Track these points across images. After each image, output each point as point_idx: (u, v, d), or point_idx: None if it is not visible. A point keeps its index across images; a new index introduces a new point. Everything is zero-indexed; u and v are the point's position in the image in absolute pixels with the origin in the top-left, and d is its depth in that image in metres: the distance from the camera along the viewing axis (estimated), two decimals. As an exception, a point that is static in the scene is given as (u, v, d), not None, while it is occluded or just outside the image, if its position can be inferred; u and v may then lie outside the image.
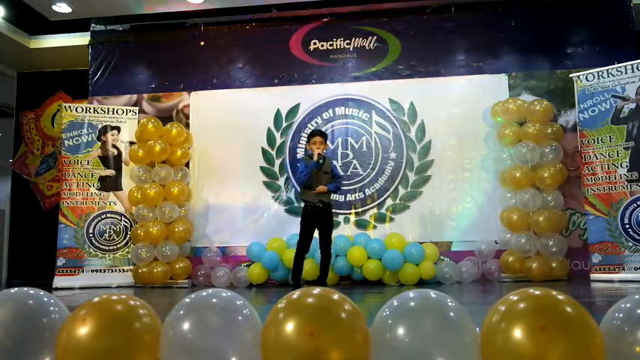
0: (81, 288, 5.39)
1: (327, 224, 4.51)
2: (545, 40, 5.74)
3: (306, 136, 5.78)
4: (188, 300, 1.28)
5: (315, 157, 4.42)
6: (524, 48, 5.76)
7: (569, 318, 1.07)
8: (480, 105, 5.65)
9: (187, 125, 6.08)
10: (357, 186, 5.80)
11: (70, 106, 5.84)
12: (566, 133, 5.46)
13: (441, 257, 5.37)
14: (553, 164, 5.15)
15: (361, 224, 5.72)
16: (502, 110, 5.42)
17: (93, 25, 6.42)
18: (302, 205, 4.60)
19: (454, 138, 5.72)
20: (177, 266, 5.54)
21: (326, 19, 6.13)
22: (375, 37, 6.05)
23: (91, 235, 5.63)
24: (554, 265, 5.02)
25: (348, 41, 6.08)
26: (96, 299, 1.31)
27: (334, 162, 5.35)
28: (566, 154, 5.37)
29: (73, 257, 5.57)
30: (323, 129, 5.70)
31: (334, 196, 5.11)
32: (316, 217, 4.45)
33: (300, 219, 4.61)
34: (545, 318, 1.05)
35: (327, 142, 4.88)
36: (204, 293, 1.28)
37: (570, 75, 5.32)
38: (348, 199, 5.78)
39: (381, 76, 5.98)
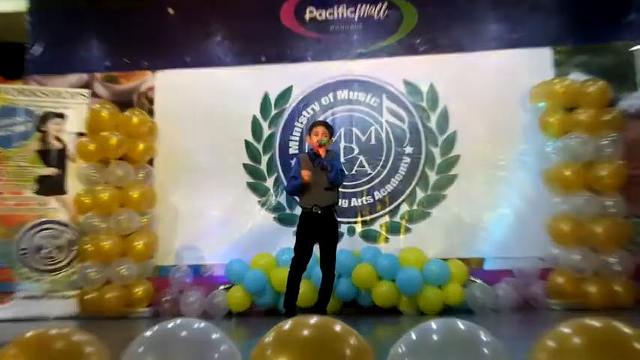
0: (12, 320, 5.21)
1: (329, 236, 4.45)
2: (600, 6, 5.69)
3: (305, 127, 5.80)
4: (150, 333, 1.26)
5: (315, 146, 4.38)
6: (573, 15, 5.70)
7: (637, 357, 1.05)
8: (518, 87, 5.62)
9: (151, 112, 6.03)
10: (364, 188, 5.76)
11: (0, 88, 5.81)
12: (627, 121, 5.41)
13: (471, 278, 5.24)
14: (612, 160, 5.07)
15: (370, 236, 5.68)
16: (546, 93, 5.38)
17: (32, -14, 6.34)
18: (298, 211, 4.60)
19: (485, 128, 5.68)
20: (135, 290, 5.48)
21: (325, -18, 6.08)
22: (386, 3, 5.99)
23: (25, 251, 5.58)
24: (617, 288, 4.90)
25: (353, 9, 6.02)
26: (30, 334, 1.29)
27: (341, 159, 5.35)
28: (628, 148, 5.31)
29: (2, 280, 5.53)
30: (322, 118, 5.69)
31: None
32: (315, 227, 4.41)
33: (294, 229, 4.60)
34: (607, 357, 1.03)
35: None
36: (170, 325, 1.28)
37: (631, 49, 5.33)
38: (352, 204, 5.75)
39: (394, 52, 5.92)
